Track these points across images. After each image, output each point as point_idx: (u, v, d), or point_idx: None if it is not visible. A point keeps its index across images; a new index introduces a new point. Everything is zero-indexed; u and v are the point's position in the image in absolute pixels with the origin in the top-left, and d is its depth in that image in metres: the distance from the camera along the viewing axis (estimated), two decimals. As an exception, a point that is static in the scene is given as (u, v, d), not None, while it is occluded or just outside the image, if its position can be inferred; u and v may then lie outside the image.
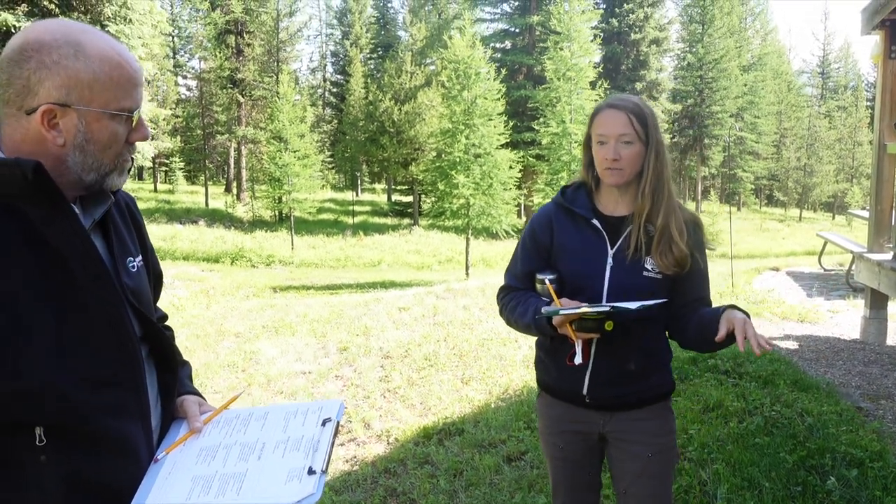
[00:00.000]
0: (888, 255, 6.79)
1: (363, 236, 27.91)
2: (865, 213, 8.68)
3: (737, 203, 48.40)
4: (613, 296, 2.10)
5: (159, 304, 1.74)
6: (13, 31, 14.75)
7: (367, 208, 38.85)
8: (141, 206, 29.92)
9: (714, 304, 2.16)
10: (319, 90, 54.35)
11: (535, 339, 2.34)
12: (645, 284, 2.10)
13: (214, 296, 14.65)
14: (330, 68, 56.45)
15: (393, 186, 41.76)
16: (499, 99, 19.93)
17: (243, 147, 36.01)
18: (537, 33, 36.10)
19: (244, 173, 36.25)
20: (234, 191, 37.00)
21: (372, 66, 47.85)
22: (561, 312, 1.95)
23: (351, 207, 36.14)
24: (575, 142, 19.77)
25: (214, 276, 17.92)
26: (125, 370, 1.33)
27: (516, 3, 39.13)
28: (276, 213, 31.33)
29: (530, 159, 25.40)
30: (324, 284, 17.64)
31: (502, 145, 19.79)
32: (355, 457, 5.44)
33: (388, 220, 34.63)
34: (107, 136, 1.30)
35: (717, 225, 25.46)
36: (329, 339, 8.95)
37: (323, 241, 26.67)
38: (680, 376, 5.44)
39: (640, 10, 41.53)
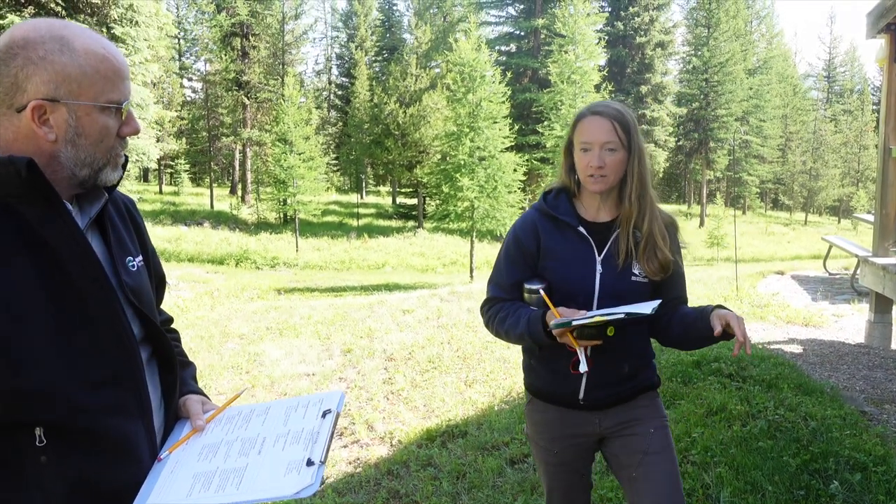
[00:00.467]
0: (893, 259, 6.77)
1: (367, 239, 27.95)
2: (871, 217, 8.65)
3: (742, 207, 48.30)
4: (604, 302, 2.11)
5: (164, 307, 1.74)
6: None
7: (372, 211, 38.89)
8: (146, 207, 30.09)
9: (718, 308, 2.16)
10: (324, 93, 54.49)
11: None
12: (633, 289, 2.13)
13: (219, 297, 14.68)
14: (335, 71, 56.66)
15: (397, 189, 41.79)
16: (503, 102, 19.95)
17: (248, 149, 36.11)
18: (542, 36, 36.14)
19: (249, 175, 36.34)
20: (239, 193, 37.10)
21: (377, 69, 47.93)
22: (574, 322, 1.91)
23: (355, 210, 36.19)
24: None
25: (219, 278, 17.96)
26: (124, 370, 1.34)
27: (521, 7, 39.19)
28: (281, 216, 31.40)
29: (535, 162, 25.42)
30: (328, 286, 17.67)
31: (507, 148, 19.81)
32: (358, 458, 5.45)
33: (393, 223, 34.67)
34: (97, 129, 1.31)
35: (722, 228, 25.41)
36: (333, 341, 8.96)
37: (327, 244, 26.70)
38: (683, 380, 5.43)
39: (646, 13, 41.52)
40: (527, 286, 2.17)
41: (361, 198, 43.25)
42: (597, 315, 1.92)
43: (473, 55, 19.18)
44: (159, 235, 24.15)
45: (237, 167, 38.55)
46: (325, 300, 13.37)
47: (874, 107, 51.85)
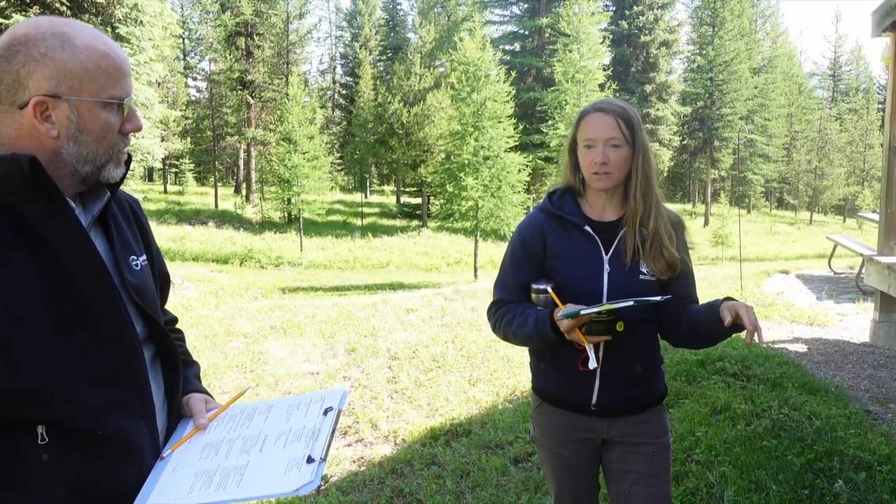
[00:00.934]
0: (898, 258, 6.75)
1: (372, 238, 27.96)
2: (876, 217, 8.63)
3: (747, 206, 48.22)
4: (613, 301, 2.09)
5: (169, 306, 1.74)
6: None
7: (376, 210, 38.91)
8: (151, 207, 30.16)
9: (727, 300, 2.15)
10: (329, 92, 54.50)
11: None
12: (642, 288, 2.11)
13: (223, 296, 14.70)
14: (339, 70, 56.65)
15: (402, 188, 41.80)
16: (508, 101, 19.93)
17: (253, 148, 36.16)
18: (547, 35, 36.09)
19: (253, 175, 36.40)
20: (244, 192, 37.17)
21: (381, 68, 47.93)
22: (582, 312, 1.90)
23: (360, 209, 36.20)
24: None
25: (223, 277, 18.00)
26: (126, 368, 1.34)
27: (526, 6, 39.14)
28: (286, 215, 31.44)
29: (539, 162, 25.41)
30: (332, 286, 17.68)
31: (511, 148, 19.78)
32: (362, 457, 5.45)
33: (397, 222, 34.68)
34: (100, 125, 1.31)
35: (726, 227, 25.36)
36: (337, 340, 8.98)
37: (332, 243, 26.72)
38: (688, 379, 5.43)
39: (650, 12, 41.43)
40: (534, 286, 2.15)
41: (365, 197, 43.29)
42: (604, 305, 1.91)
43: (478, 54, 19.16)
44: (164, 235, 24.22)
45: (241, 166, 38.63)
46: (329, 299, 13.39)
47: (879, 105, 51.62)
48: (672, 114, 42.04)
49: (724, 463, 3.77)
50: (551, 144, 23.57)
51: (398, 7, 52.69)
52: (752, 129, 44.92)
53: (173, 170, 43.81)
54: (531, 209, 2.32)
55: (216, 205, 34.20)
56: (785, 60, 54.20)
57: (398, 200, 42.13)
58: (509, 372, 7.18)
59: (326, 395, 1.51)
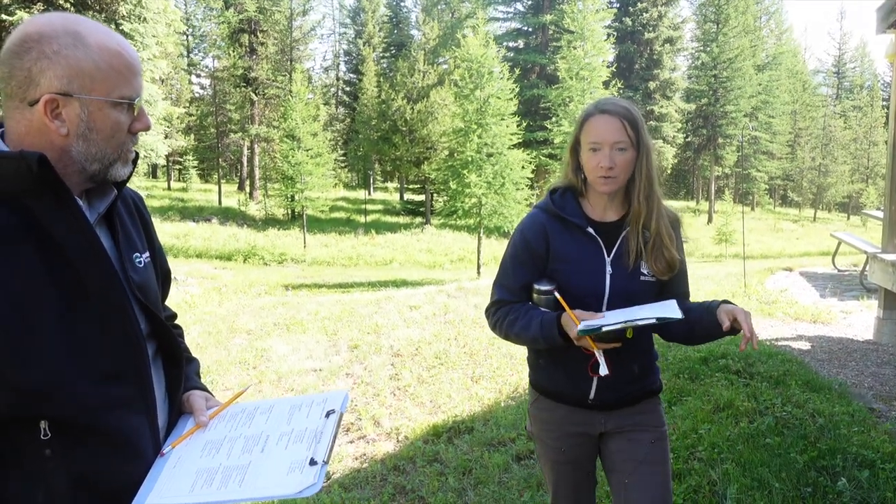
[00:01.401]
0: (902, 256, 6.73)
1: (375, 235, 27.97)
2: (880, 214, 8.61)
3: (751, 203, 48.11)
4: (614, 303, 2.09)
5: (169, 303, 1.74)
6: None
7: (380, 207, 38.92)
8: (154, 203, 30.20)
9: (725, 303, 2.15)
10: (332, 89, 54.51)
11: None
12: (643, 289, 2.11)
13: (227, 293, 14.73)
14: (343, 67, 56.63)
15: (405, 185, 41.82)
16: (511, 98, 19.91)
17: (256, 145, 36.17)
18: (550, 32, 36.05)
19: (257, 171, 36.43)
20: (247, 189, 37.19)
21: (385, 65, 47.91)
22: (604, 329, 1.88)
23: (363, 206, 36.21)
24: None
25: (227, 274, 18.03)
26: (130, 365, 1.34)
27: (529, 2, 39.07)
28: (289, 212, 31.46)
29: (543, 158, 25.39)
30: (335, 282, 17.70)
31: (515, 145, 19.77)
32: (364, 454, 5.46)
33: (400, 219, 34.69)
34: (109, 124, 1.31)
35: (730, 225, 25.33)
36: (340, 336, 8.98)
37: (335, 240, 26.74)
38: (690, 376, 5.42)
39: (654, 8, 41.36)
40: (537, 287, 2.13)
41: (369, 194, 43.29)
42: (628, 322, 1.88)
43: (481, 51, 19.15)
44: (167, 231, 24.24)
45: (245, 163, 38.66)
46: (333, 296, 13.40)
47: (884, 102, 51.51)
48: (676, 111, 41.97)
49: (726, 460, 3.77)
50: (555, 141, 23.55)
51: (401, 4, 52.71)
52: (756, 126, 44.82)
53: (177, 167, 43.86)
54: (532, 209, 2.31)
55: (220, 201, 34.23)
56: (789, 57, 54.02)
57: (401, 197, 42.15)
58: (512, 369, 7.18)
59: (328, 397, 1.50)
